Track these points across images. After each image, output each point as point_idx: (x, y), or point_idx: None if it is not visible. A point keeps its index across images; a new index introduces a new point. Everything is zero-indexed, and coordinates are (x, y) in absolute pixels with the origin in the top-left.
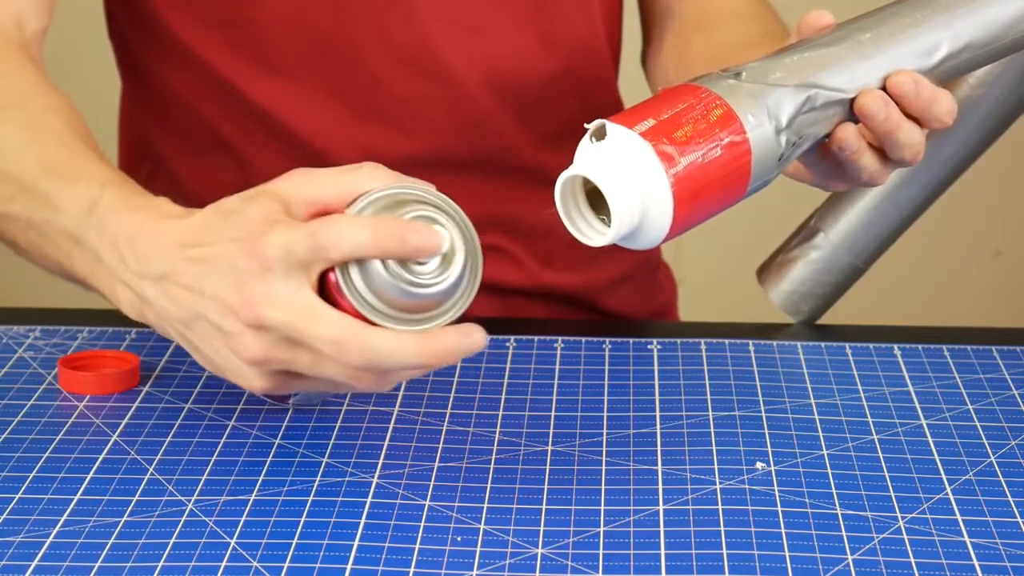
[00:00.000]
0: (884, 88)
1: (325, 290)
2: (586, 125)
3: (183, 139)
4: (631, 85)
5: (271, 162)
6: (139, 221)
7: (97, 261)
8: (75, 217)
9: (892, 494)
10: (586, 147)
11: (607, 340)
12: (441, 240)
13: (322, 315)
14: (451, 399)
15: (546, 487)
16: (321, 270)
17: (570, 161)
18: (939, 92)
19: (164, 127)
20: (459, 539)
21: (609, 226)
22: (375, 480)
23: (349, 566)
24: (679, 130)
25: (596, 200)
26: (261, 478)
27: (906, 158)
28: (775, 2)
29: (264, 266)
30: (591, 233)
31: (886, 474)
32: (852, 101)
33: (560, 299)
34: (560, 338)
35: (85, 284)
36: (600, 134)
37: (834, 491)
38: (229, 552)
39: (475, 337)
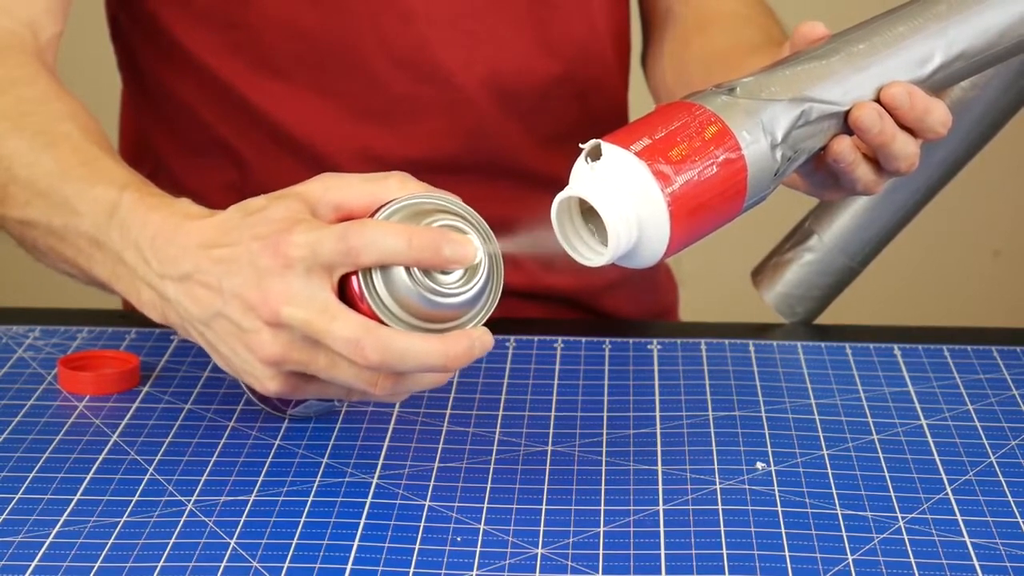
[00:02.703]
0: (878, 99)
1: (345, 294)
2: (581, 145)
3: (182, 140)
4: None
5: (270, 164)
6: (160, 222)
7: (119, 263)
8: (95, 220)
9: (892, 494)
10: (581, 168)
11: (607, 340)
12: (474, 251)
13: (340, 314)
14: (451, 399)
15: (546, 487)
16: (344, 273)
17: (570, 165)
18: (933, 103)
19: (164, 128)
20: (459, 539)
21: (606, 246)
22: (375, 480)
23: (349, 566)
24: (674, 148)
25: (593, 220)
26: (261, 478)
27: (901, 169)
28: (775, 5)
29: (286, 264)
30: (588, 253)
31: (886, 474)
32: (847, 113)
33: (559, 301)
34: (560, 338)
35: (107, 287)
36: (595, 154)
37: (834, 491)
38: (229, 552)
39: (485, 339)
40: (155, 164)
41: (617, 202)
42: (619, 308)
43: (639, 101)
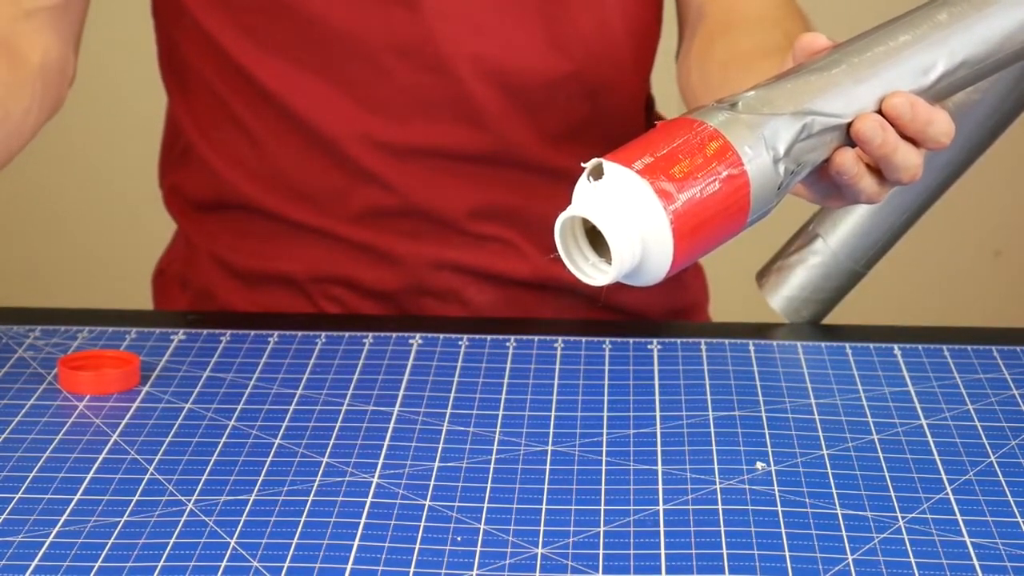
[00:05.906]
0: (880, 110)
1: None
2: (583, 164)
3: (203, 117)
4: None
5: (281, 143)
6: None
7: None
8: None
9: (892, 494)
10: (584, 186)
11: (607, 340)
12: None
13: None
14: (451, 399)
15: (546, 487)
16: None
17: (577, 160)
18: (935, 113)
19: (189, 105)
20: (459, 539)
21: (610, 264)
22: (375, 480)
23: (349, 566)
24: (676, 166)
25: (596, 238)
26: (261, 478)
27: (903, 180)
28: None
29: None
30: (593, 272)
31: (886, 474)
32: (849, 125)
33: (568, 292)
34: (560, 338)
35: None
36: (597, 173)
37: (834, 491)
38: (229, 552)
39: None
40: (186, 141)
41: (620, 221)
42: (634, 302)
43: (670, 100)
